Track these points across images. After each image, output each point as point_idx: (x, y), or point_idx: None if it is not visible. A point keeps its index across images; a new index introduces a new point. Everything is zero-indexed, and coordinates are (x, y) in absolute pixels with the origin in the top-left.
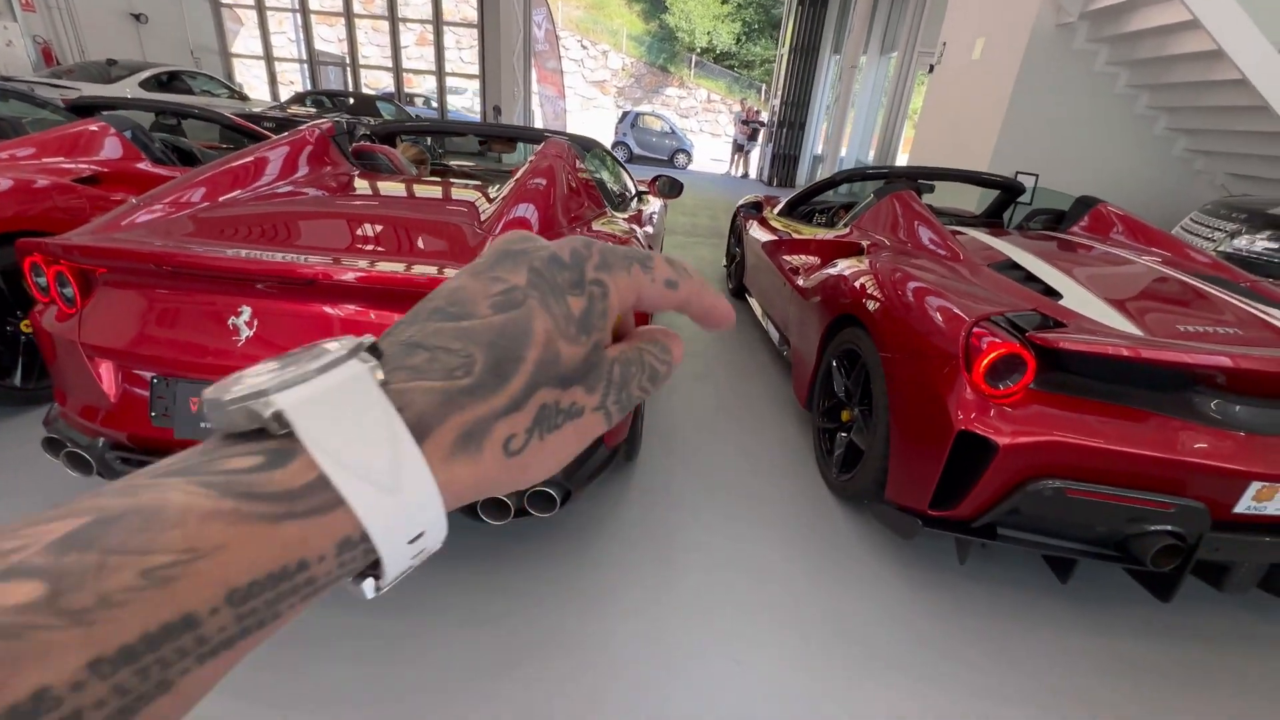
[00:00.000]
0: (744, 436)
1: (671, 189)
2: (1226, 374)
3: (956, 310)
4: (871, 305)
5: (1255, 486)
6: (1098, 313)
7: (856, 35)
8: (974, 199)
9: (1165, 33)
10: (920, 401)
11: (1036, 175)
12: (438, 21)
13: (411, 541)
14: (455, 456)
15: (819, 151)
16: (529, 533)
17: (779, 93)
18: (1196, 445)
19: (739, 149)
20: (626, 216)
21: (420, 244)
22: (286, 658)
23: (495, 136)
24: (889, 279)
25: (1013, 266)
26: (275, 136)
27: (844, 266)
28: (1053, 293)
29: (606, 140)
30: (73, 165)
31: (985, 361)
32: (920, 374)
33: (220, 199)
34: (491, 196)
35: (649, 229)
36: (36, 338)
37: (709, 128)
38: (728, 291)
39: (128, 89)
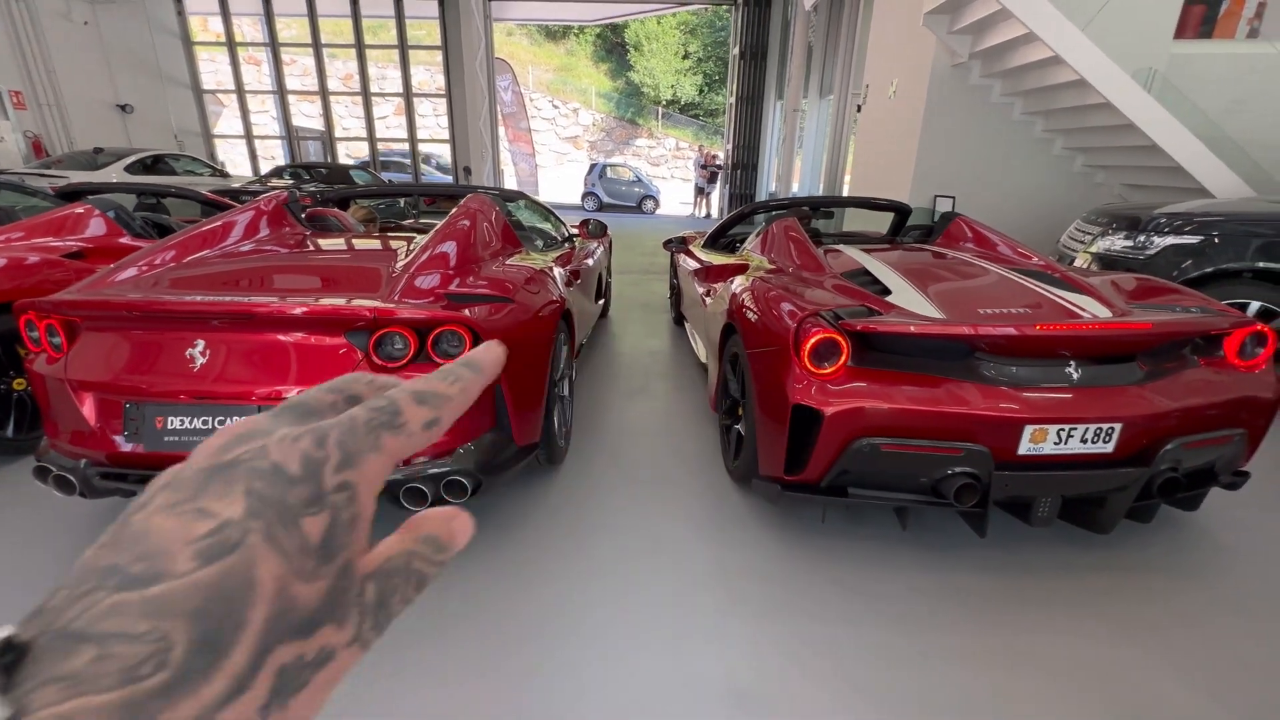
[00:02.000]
0: (667, 439)
1: (597, 229)
2: (1001, 341)
3: (794, 308)
4: (744, 314)
5: (1029, 430)
6: (914, 304)
7: (795, 83)
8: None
9: (1042, 66)
10: (770, 386)
11: (953, 197)
12: (408, 94)
13: None
14: None
15: (773, 189)
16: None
17: (731, 138)
18: (977, 400)
19: (700, 192)
20: (555, 256)
21: (343, 283)
22: None
23: (433, 195)
24: (756, 291)
25: (863, 274)
26: (238, 206)
27: (733, 285)
28: (886, 291)
29: (577, 191)
30: (61, 243)
31: (809, 346)
32: (770, 364)
33: (187, 259)
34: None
35: (585, 263)
36: (30, 381)
37: (679, 173)
38: (671, 320)
39: (114, 174)
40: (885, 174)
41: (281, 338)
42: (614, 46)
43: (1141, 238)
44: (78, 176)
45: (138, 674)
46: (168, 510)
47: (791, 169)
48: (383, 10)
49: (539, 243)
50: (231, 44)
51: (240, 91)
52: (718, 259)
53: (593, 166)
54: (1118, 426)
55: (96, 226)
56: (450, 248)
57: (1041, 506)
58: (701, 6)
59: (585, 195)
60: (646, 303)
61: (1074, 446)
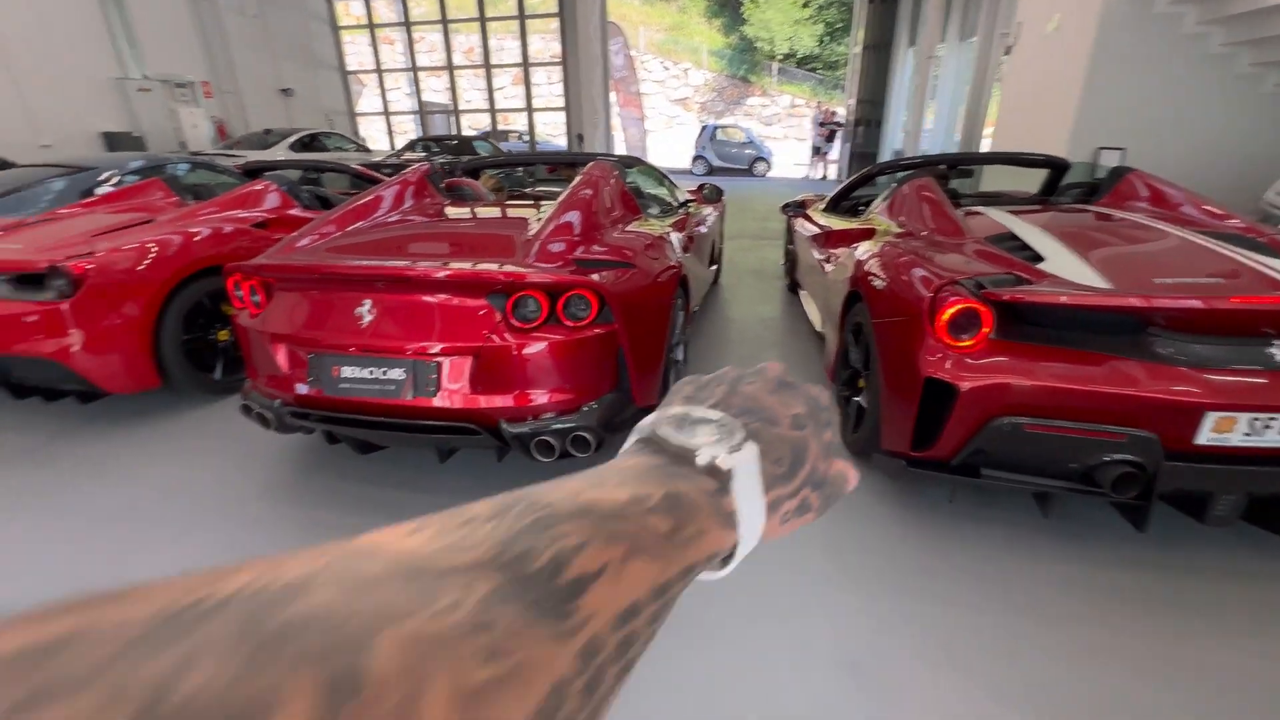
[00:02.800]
0: None
1: (712, 194)
2: (1183, 316)
3: (929, 275)
4: (871, 281)
5: (1213, 417)
6: (1073, 271)
7: (932, 25)
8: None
9: None
10: (899, 358)
11: (1122, 149)
12: (526, 63)
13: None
14: (766, 515)
15: (899, 146)
16: None
17: (854, 92)
18: (1147, 381)
19: (817, 151)
20: (671, 222)
21: (482, 249)
22: None
23: (556, 164)
24: (884, 257)
25: (1010, 238)
26: (387, 180)
27: (858, 251)
28: (1037, 257)
29: (688, 155)
30: (249, 214)
31: (944, 316)
32: (899, 334)
33: (349, 228)
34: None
35: (698, 230)
36: (235, 333)
37: (794, 133)
38: (785, 287)
39: (280, 152)
40: (1036, 127)
41: (433, 299)
42: (727, 1)
43: None
44: (253, 156)
45: (777, 465)
46: (769, 392)
47: (921, 124)
48: None
49: (655, 209)
50: (371, 25)
51: (379, 70)
52: (839, 223)
53: (703, 129)
54: None
55: (273, 200)
56: (575, 216)
57: (1220, 504)
58: None
59: (695, 159)
60: (758, 269)
61: (1271, 439)
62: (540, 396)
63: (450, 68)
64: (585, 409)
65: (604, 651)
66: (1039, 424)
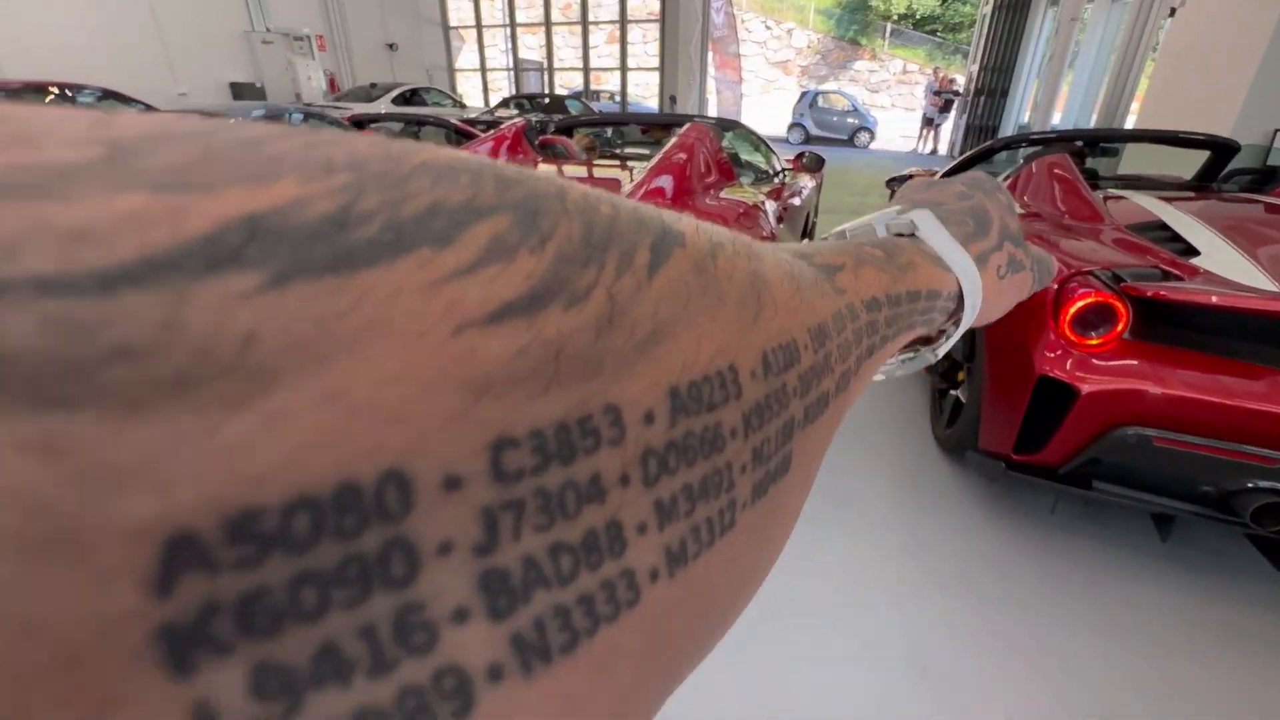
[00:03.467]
0: (867, 396)
1: (813, 162)
2: None
3: (1058, 264)
4: None
5: None
6: (1233, 269)
7: None
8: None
9: None
10: (1010, 351)
11: None
12: (623, 20)
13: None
14: (978, 268)
15: (1025, 120)
16: None
17: (979, 58)
18: None
19: (928, 123)
20: (767, 190)
21: None
22: None
23: (653, 124)
24: None
25: (1159, 227)
26: (484, 134)
27: None
28: (1191, 251)
29: (783, 122)
30: None
31: (1071, 310)
32: (1013, 327)
33: None
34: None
35: (791, 201)
36: None
37: (902, 102)
38: None
39: (383, 106)
40: (1197, 104)
41: None
42: None
43: None
44: (359, 108)
45: (965, 226)
46: (927, 187)
47: (1055, 96)
48: None
49: (750, 176)
50: None
51: (479, 26)
52: None
53: (803, 95)
54: None
55: None
56: (667, 180)
57: None
58: None
59: (791, 126)
60: None
61: None
62: None
63: (548, 24)
64: None
65: (859, 319)
66: (1172, 438)
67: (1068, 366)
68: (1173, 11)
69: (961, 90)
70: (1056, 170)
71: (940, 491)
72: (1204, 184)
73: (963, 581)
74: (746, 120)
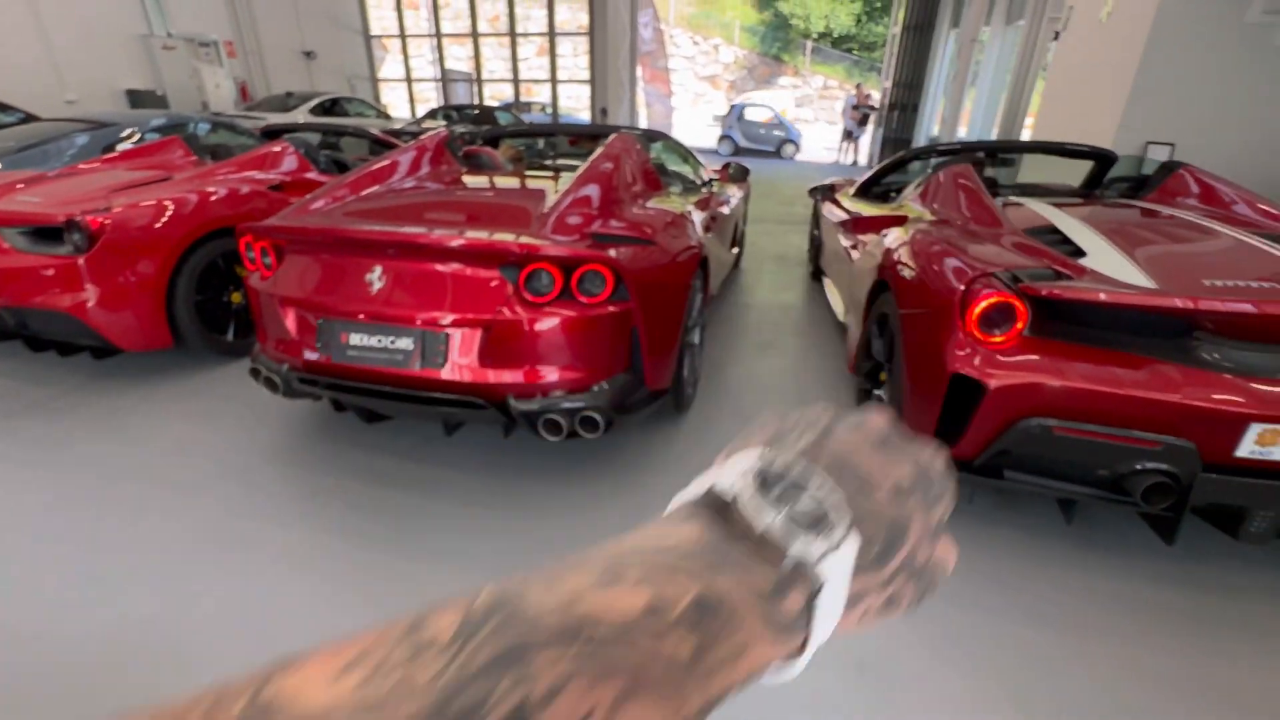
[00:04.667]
0: (798, 398)
1: (738, 173)
2: (1233, 319)
3: (962, 266)
4: (899, 270)
5: (1256, 429)
6: (1116, 268)
7: (978, 6)
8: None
9: None
10: (925, 351)
11: (1171, 145)
12: (552, 33)
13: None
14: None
15: (934, 133)
16: (584, 460)
17: (891, 75)
18: (1187, 387)
19: (848, 136)
20: (694, 200)
21: (497, 220)
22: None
23: (578, 135)
24: (915, 245)
25: (1051, 231)
26: (404, 145)
27: (887, 238)
28: (1079, 252)
29: (712, 134)
30: (265, 176)
31: (977, 310)
32: (927, 326)
33: (364, 192)
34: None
35: (720, 210)
36: (247, 294)
37: (825, 116)
38: (808, 274)
39: (301, 115)
40: (1081, 118)
41: (444, 268)
42: None
43: None
44: (274, 118)
45: (868, 549)
46: (872, 448)
47: (960, 111)
48: None
49: (678, 186)
50: None
51: (403, 36)
52: (869, 209)
53: (731, 108)
54: None
55: (291, 162)
56: (594, 190)
57: (1257, 520)
58: None
59: (721, 138)
60: (782, 255)
61: None
62: (550, 374)
63: (475, 35)
64: (595, 389)
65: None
66: (1070, 427)
67: (976, 363)
68: (1057, 35)
69: (877, 105)
70: (961, 179)
71: None
72: (1089, 191)
73: None
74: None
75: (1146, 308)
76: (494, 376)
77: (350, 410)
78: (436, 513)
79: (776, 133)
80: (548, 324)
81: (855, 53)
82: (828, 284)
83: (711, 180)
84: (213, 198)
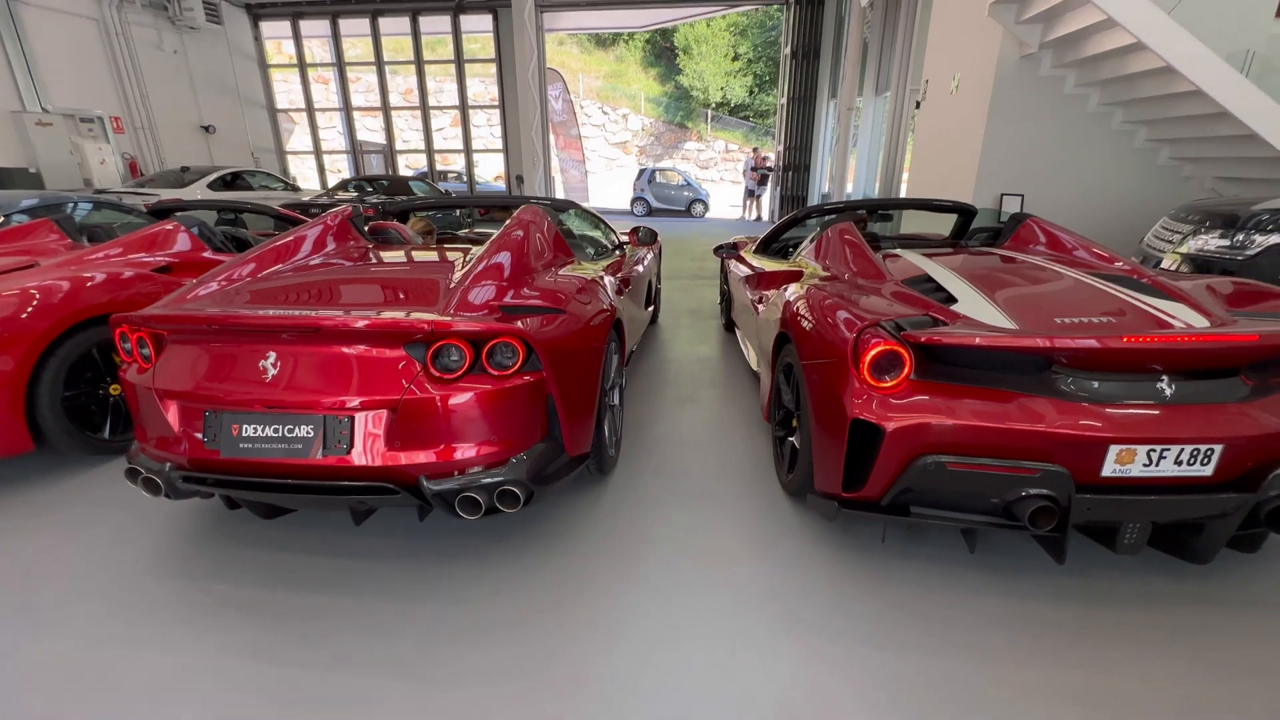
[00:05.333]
0: (718, 450)
1: (647, 237)
2: (1081, 354)
3: (851, 318)
4: (799, 323)
5: (1115, 450)
6: (983, 312)
7: (850, 80)
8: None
9: (1122, 54)
10: (827, 399)
11: (1021, 195)
12: (464, 106)
13: None
14: None
15: (826, 190)
16: (509, 535)
17: (782, 139)
18: (1053, 417)
19: (750, 194)
20: (605, 265)
21: (402, 297)
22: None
23: (487, 206)
24: (811, 300)
25: (925, 280)
26: (307, 221)
27: (786, 293)
28: (951, 299)
29: (626, 196)
30: (151, 258)
31: (868, 358)
32: (827, 376)
33: (262, 273)
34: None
35: (634, 271)
36: (123, 388)
37: (729, 176)
38: (721, 326)
39: (198, 191)
40: (946, 173)
41: (345, 350)
42: (663, 51)
43: (1240, 236)
44: (167, 194)
45: None
46: None
47: (845, 170)
48: (440, 28)
49: (590, 251)
50: (303, 65)
51: (310, 109)
52: (770, 265)
53: (641, 172)
54: (1218, 448)
55: (182, 242)
56: (504, 259)
57: (1129, 532)
58: (751, 8)
59: (634, 200)
60: (696, 309)
61: (1166, 469)
62: (464, 450)
63: (386, 108)
64: (513, 461)
65: None
66: (960, 461)
67: (874, 408)
68: (918, 104)
69: (774, 166)
70: (846, 236)
71: (789, 535)
72: (956, 241)
73: (818, 622)
74: (594, 195)
75: (1010, 348)
76: (405, 458)
77: (245, 507)
78: (350, 611)
79: (685, 193)
80: (459, 399)
81: (751, 119)
82: (740, 335)
83: (623, 244)
84: (87, 284)
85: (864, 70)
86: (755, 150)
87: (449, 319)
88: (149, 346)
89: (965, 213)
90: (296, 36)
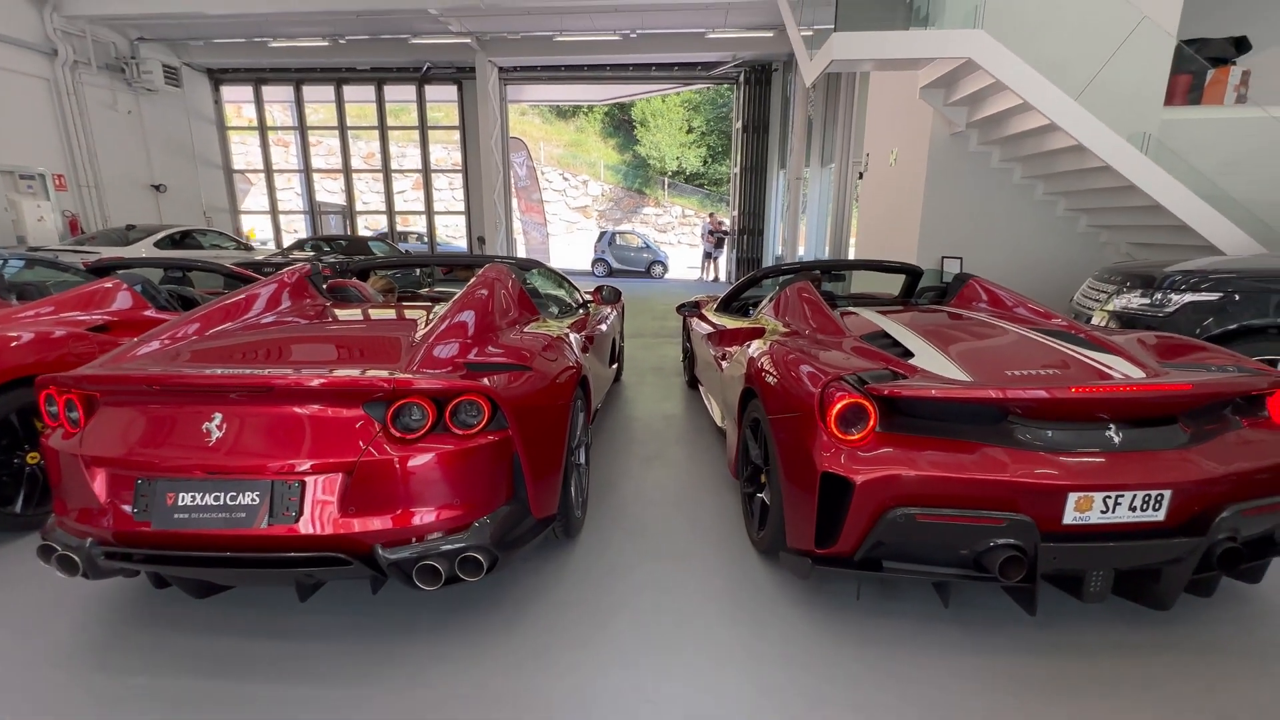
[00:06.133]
0: (687, 509)
1: (610, 295)
2: (1034, 405)
3: (815, 372)
4: (764, 378)
5: (1073, 498)
6: (938, 366)
7: (797, 153)
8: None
9: (1039, 133)
10: (796, 453)
11: (960, 258)
12: (426, 170)
13: None
14: None
15: (780, 253)
16: (470, 605)
17: (737, 205)
18: (1014, 466)
19: (708, 257)
20: (570, 322)
21: (361, 355)
22: None
23: (451, 265)
24: (774, 355)
25: (882, 336)
26: (263, 279)
27: (750, 349)
28: (908, 354)
29: (587, 258)
30: (87, 317)
31: (835, 412)
32: (794, 430)
33: (210, 331)
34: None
35: (598, 328)
36: (44, 456)
37: (686, 239)
38: (685, 383)
39: (143, 249)
40: (890, 237)
41: (298, 410)
42: (621, 123)
43: (1158, 295)
44: (109, 252)
45: None
46: None
47: (797, 234)
48: (405, 96)
49: (554, 309)
50: (263, 128)
51: (269, 171)
52: (732, 323)
53: (602, 234)
54: (1167, 493)
55: (123, 300)
56: (468, 317)
57: (1093, 580)
58: (704, 86)
59: (595, 261)
60: (659, 366)
61: (1122, 515)
62: (424, 514)
63: (347, 170)
64: (477, 525)
65: None
66: (929, 513)
67: (842, 461)
68: (861, 175)
69: (729, 230)
70: (804, 294)
71: (763, 596)
72: (906, 299)
73: (797, 690)
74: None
75: (967, 399)
76: (359, 525)
77: (175, 584)
78: (293, 699)
79: (645, 255)
80: (421, 460)
81: (705, 187)
82: (703, 391)
83: (587, 302)
84: (11, 343)
85: (810, 144)
86: (712, 215)
87: (412, 376)
88: (78, 410)
89: (913, 273)
90: (258, 101)
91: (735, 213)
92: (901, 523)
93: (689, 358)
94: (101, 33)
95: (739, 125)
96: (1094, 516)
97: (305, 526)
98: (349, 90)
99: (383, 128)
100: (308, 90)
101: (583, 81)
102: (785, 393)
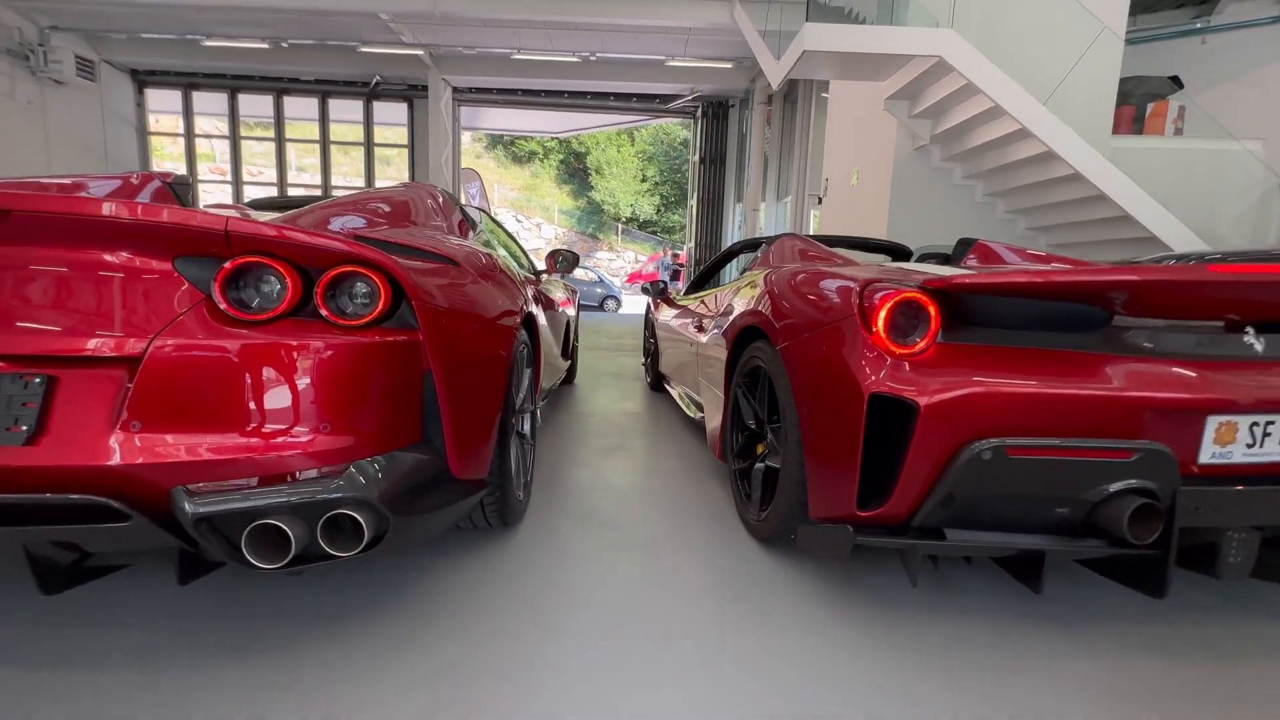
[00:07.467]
0: (656, 496)
1: (565, 262)
2: (1157, 294)
3: (848, 280)
4: (767, 308)
5: (1212, 423)
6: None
7: (754, 186)
8: None
9: (1001, 145)
10: (826, 381)
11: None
12: (370, 186)
13: None
14: None
15: None
16: (369, 602)
17: (694, 236)
18: (1135, 379)
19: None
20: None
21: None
22: None
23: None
24: (784, 279)
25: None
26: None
27: (741, 298)
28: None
29: None
30: None
31: (884, 312)
32: (824, 351)
33: None
34: None
35: (553, 295)
36: None
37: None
38: (647, 385)
39: None
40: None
41: (53, 254)
42: (576, 170)
43: None
44: None
45: None
46: None
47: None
48: (352, 115)
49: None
50: (190, 135)
51: (194, 181)
52: (708, 294)
53: None
54: None
55: None
56: (376, 205)
57: (1233, 547)
58: (663, 123)
59: None
60: (617, 373)
61: (1272, 450)
62: (267, 442)
63: (282, 185)
64: (354, 468)
65: None
66: (1027, 445)
67: (899, 376)
68: (820, 201)
69: (685, 263)
70: (796, 241)
71: (768, 591)
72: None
73: (820, 704)
74: None
75: (1070, 286)
76: (145, 452)
77: None
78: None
79: (599, 289)
80: (266, 355)
81: (658, 234)
82: (674, 388)
83: (540, 271)
84: None
85: (766, 179)
86: (671, 252)
87: (263, 224)
88: None
89: (900, 254)
90: (187, 108)
91: (692, 243)
92: (988, 462)
93: (652, 356)
94: (6, 15)
95: (696, 159)
96: (1237, 453)
97: (49, 452)
98: (290, 103)
99: (325, 142)
100: (244, 101)
101: (539, 108)
102: (804, 309)
